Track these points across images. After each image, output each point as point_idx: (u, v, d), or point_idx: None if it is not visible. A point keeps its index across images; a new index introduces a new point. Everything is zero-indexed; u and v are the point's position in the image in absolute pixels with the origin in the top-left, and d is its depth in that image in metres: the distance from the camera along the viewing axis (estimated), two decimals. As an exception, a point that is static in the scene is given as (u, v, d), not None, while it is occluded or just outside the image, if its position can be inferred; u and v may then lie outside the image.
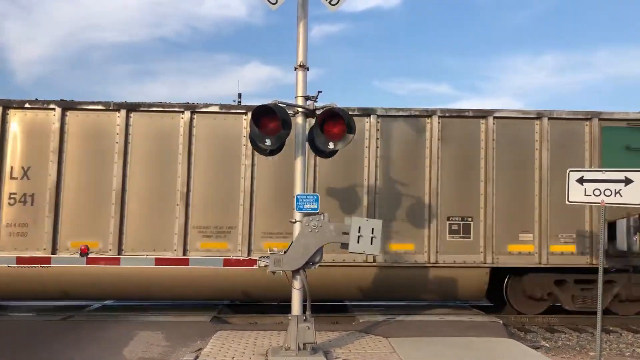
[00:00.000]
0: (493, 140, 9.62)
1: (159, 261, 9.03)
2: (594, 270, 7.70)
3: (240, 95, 10.77)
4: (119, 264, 8.99)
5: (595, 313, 7.10)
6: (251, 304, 10.89)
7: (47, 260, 8.92)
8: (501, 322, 9.15)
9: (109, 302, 10.82)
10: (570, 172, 7.32)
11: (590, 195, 7.14)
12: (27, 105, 9.24)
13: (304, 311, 6.49)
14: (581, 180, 7.19)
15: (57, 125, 9.20)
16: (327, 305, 10.13)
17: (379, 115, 9.59)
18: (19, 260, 8.89)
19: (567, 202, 7.37)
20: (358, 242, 6.37)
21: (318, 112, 6.70)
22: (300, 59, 6.76)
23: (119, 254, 9.09)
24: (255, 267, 8.98)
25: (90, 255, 8.94)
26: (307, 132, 6.84)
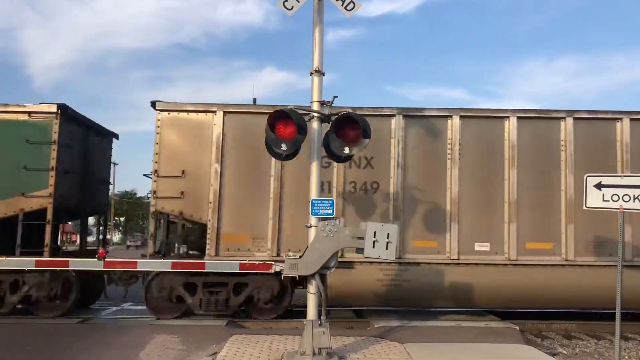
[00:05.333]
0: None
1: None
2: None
3: (255, 101, 10.73)
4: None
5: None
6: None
7: None
8: (517, 328, 9.06)
9: (125, 305, 10.91)
10: (588, 178, 7.24)
11: (609, 201, 7.06)
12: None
13: (320, 316, 6.50)
14: (599, 186, 7.12)
15: None
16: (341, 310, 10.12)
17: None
18: None
19: (584, 208, 7.29)
20: (373, 247, 6.37)
21: (333, 117, 6.71)
22: (316, 64, 6.78)
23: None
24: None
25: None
26: (322, 137, 6.86)
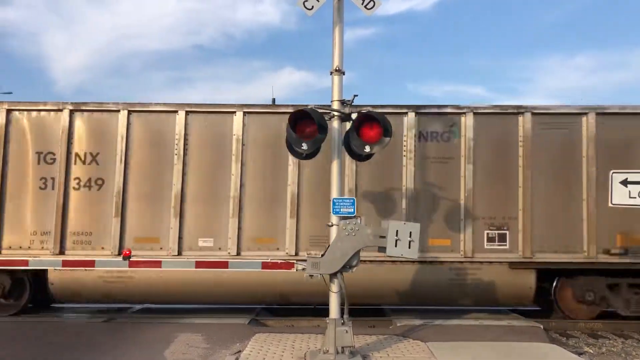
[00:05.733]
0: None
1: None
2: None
3: (274, 101, 10.80)
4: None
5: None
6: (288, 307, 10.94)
7: None
8: (542, 326, 8.97)
9: (149, 305, 11.04)
10: (614, 174, 7.14)
11: (636, 198, 6.95)
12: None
13: (342, 314, 6.51)
14: (625, 182, 7.01)
15: None
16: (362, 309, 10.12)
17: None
18: None
19: (610, 205, 7.19)
20: (396, 245, 6.36)
21: (354, 115, 6.72)
22: (336, 63, 6.80)
23: None
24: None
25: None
26: (342, 136, 6.87)
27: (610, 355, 8.04)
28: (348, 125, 7.08)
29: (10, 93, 29.87)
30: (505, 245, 9.38)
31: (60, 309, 10.65)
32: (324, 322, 6.67)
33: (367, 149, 6.58)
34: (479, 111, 9.57)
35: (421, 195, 9.44)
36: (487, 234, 9.41)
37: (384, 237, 6.45)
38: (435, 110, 9.62)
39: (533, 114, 9.51)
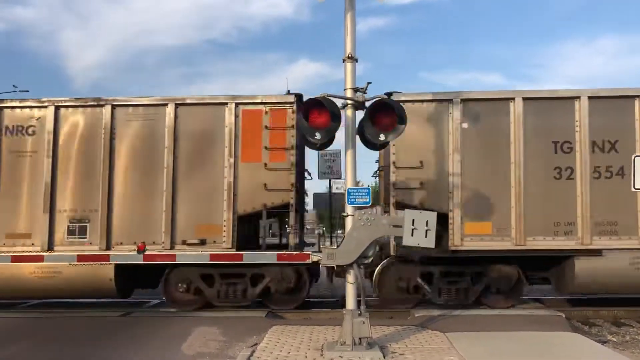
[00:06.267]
0: None
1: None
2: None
3: (289, 92, 10.68)
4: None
5: None
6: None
7: None
8: (563, 315, 8.80)
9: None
10: (637, 158, 6.94)
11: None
12: None
13: (359, 306, 6.42)
14: (649, 166, 6.80)
15: None
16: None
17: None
18: None
19: (633, 189, 6.99)
20: (412, 235, 6.24)
21: (368, 103, 6.59)
22: (349, 50, 6.67)
23: None
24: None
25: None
26: (356, 124, 6.75)
27: (635, 344, 7.85)
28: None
29: (27, 91, 29.93)
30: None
31: (80, 303, 10.70)
32: (340, 314, 6.58)
33: (382, 137, 6.46)
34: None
35: None
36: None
37: (399, 226, 6.34)
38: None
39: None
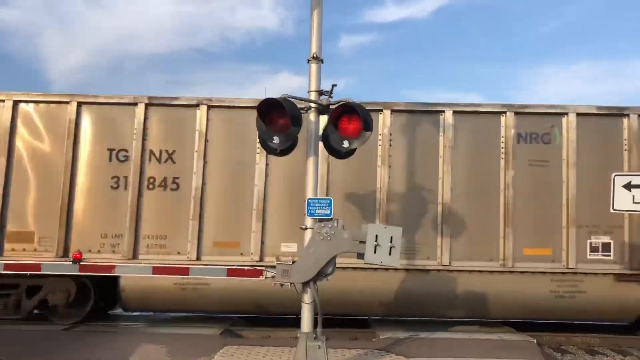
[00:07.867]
0: None
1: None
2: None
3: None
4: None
5: None
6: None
7: None
8: (535, 341, 8.36)
9: (118, 311, 10.34)
10: (616, 177, 6.54)
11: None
12: None
13: (315, 327, 5.85)
14: (629, 186, 6.41)
15: None
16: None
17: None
18: None
19: (612, 211, 6.59)
20: (375, 252, 5.71)
21: (332, 107, 6.08)
22: (314, 49, 6.16)
23: None
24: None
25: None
26: (320, 129, 6.23)
27: (609, 374, 7.44)
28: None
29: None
30: None
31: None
32: (299, 335, 5.99)
33: (346, 144, 5.94)
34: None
35: None
36: None
37: (363, 242, 5.80)
38: None
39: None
